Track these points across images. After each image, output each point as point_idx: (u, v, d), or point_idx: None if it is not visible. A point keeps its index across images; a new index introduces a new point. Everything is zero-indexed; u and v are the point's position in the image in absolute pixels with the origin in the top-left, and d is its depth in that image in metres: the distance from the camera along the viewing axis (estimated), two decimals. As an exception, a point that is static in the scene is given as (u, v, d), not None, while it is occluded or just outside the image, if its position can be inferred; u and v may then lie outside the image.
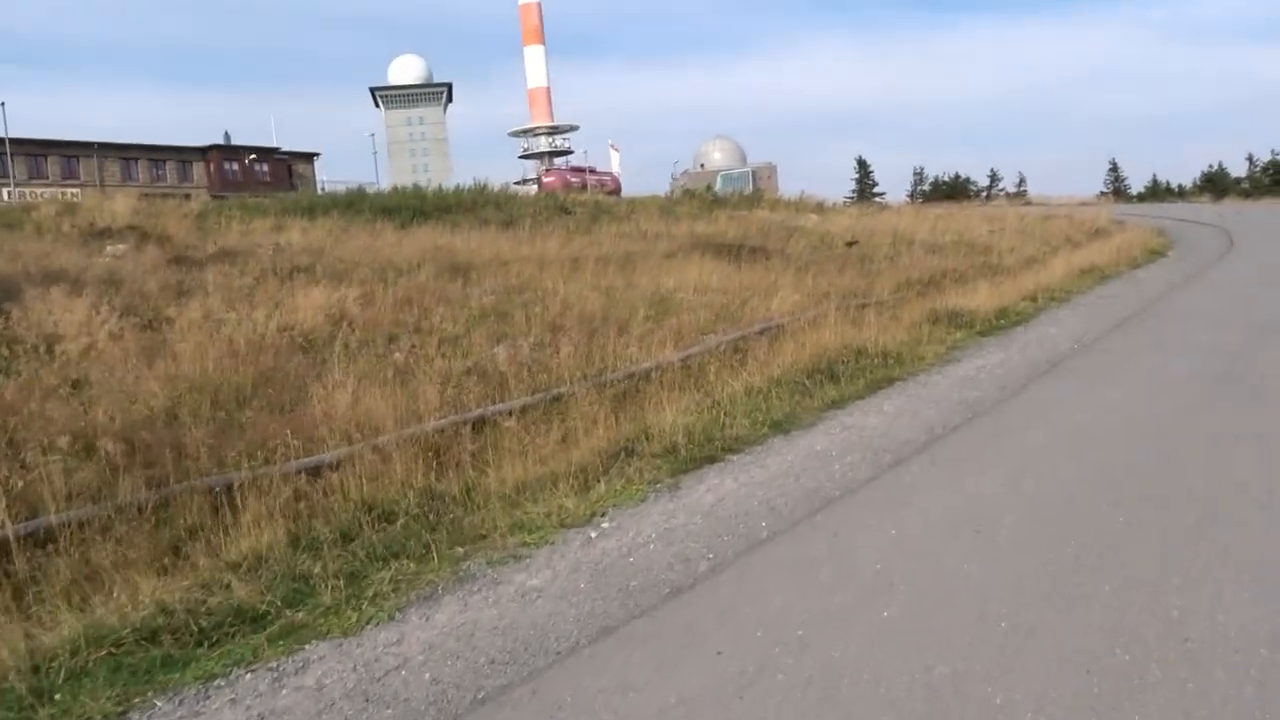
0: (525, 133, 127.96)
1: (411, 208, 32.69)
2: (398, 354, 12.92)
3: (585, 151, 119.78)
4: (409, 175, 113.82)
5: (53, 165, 51.62)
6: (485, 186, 36.89)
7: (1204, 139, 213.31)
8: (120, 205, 29.33)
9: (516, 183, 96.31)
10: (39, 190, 47.11)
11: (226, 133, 59.71)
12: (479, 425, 9.15)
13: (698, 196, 44.61)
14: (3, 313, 12.94)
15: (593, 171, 64.41)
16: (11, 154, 50.16)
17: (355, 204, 32.94)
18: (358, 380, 10.34)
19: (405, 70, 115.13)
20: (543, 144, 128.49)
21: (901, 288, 19.68)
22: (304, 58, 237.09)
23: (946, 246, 29.56)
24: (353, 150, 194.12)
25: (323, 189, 64.23)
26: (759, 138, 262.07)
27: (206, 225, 29.90)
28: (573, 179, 60.54)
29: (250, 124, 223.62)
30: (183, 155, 56.80)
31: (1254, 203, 54.20)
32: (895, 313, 16.07)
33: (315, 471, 7.58)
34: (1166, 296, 16.67)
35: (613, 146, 77.40)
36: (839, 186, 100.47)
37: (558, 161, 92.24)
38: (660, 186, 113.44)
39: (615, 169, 74.28)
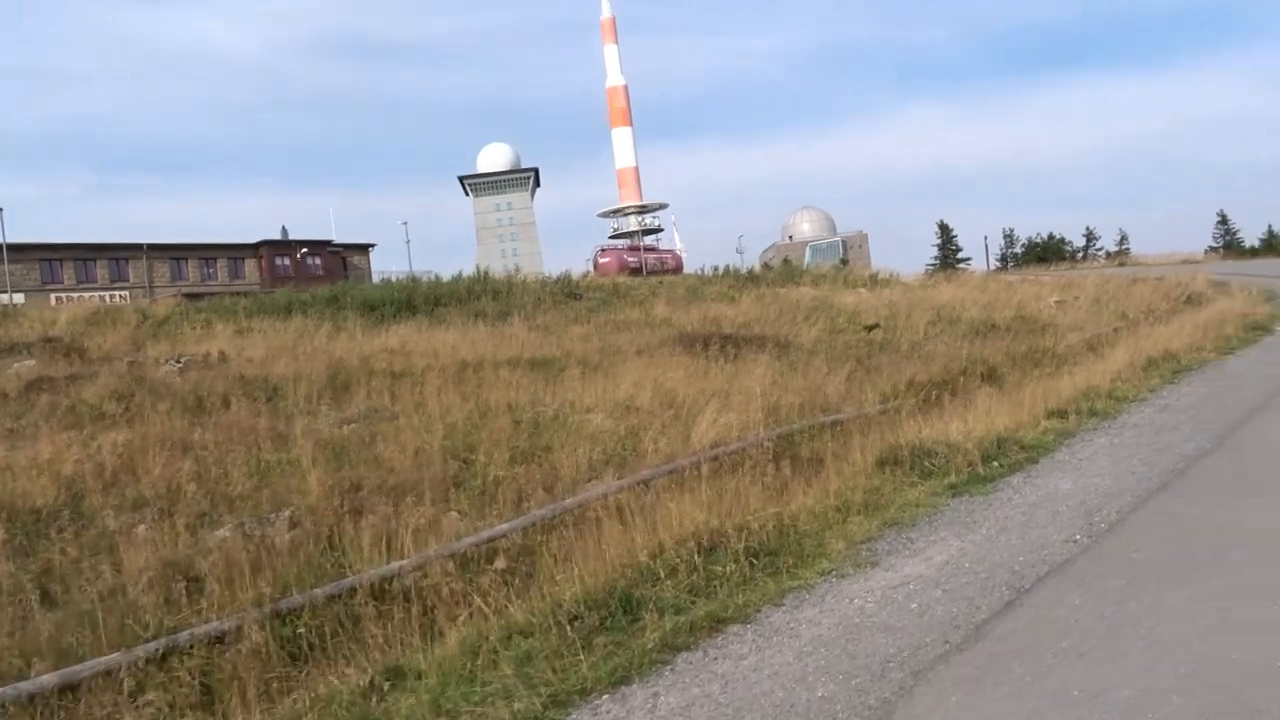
0: (614, 213, 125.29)
1: (397, 301, 28.64)
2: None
3: (673, 222, 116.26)
4: (498, 260, 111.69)
5: (101, 269, 49.72)
6: (486, 275, 32.60)
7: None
8: (64, 314, 26.09)
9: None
10: (85, 294, 45.06)
11: (284, 227, 57.62)
12: None
13: (731, 275, 39.60)
14: None
15: (652, 250, 60.07)
16: (61, 259, 48.58)
17: (339, 299, 29.03)
18: None
19: (493, 158, 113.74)
20: (632, 223, 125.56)
21: (897, 394, 14.33)
22: (395, 150, 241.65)
23: (999, 325, 23.89)
24: (447, 239, 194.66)
25: (382, 279, 61.68)
26: (850, 206, 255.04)
27: (165, 331, 26.45)
28: (630, 259, 56.30)
29: (343, 219, 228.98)
30: (234, 252, 54.48)
31: None
32: (852, 444, 10.82)
33: None
34: (1261, 413, 10.90)
35: (674, 223, 72.82)
36: (928, 253, 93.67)
37: (618, 241, 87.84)
38: (750, 259, 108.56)
39: (679, 245, 69.91)
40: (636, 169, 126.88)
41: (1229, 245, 67.87)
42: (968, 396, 14.63)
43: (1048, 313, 26.51)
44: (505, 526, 8.53)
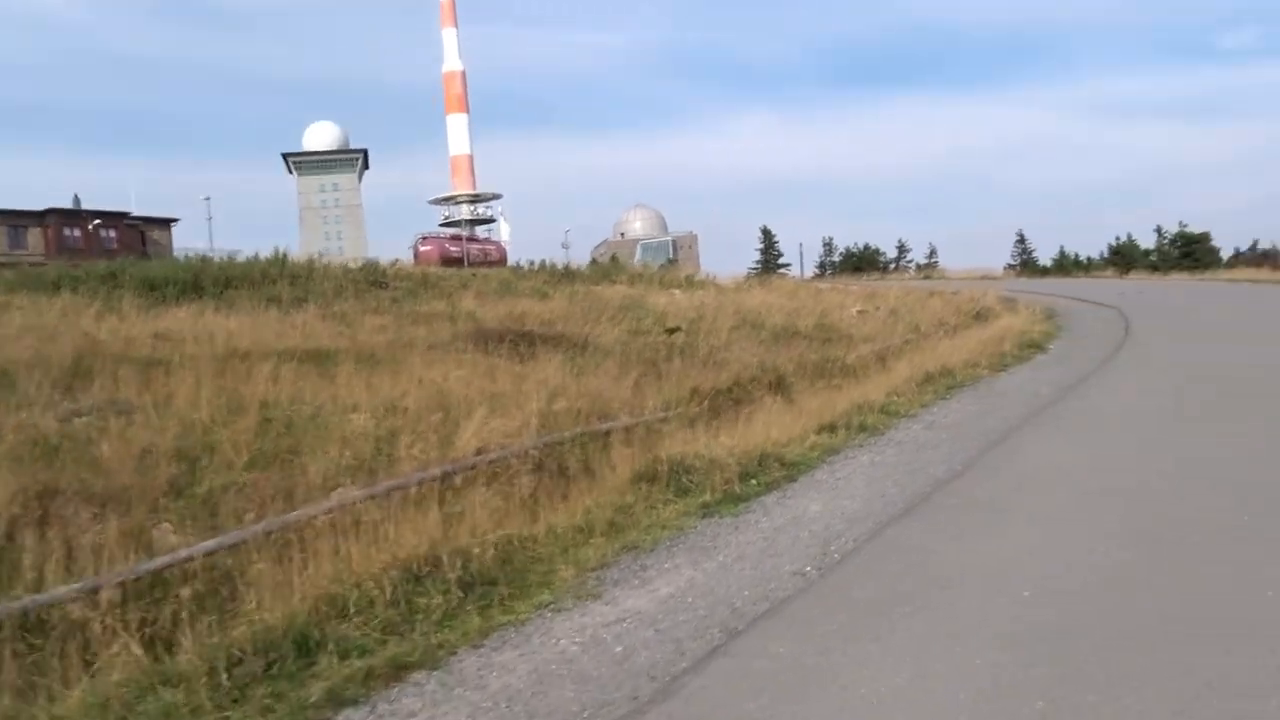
0: (446, 200, 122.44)
1: (182, 282, 26.54)
2: None
3: (500, 213, 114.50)
4: (321, 243, 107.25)
5: None
6: (285, 258, 30.77)
7: (1114, 211, 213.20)
8: None
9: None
10: None
11: (76, 196, 53.19)
12: None
13: (547, 270, 38.97)
14: None
15: (475, 240, 58.72)
16: None
17: (116, 277, 26.69)
18: None
19: (319, 136, 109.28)
20: (464, 212, 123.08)
21: (680, 402, 13.93)
22: (215, 122, 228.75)
23: (800, 332, 24.04)
24: (268, 219, 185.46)
25: (185, 257, 58.11)
26: (683, 207, 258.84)
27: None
28: (452, 249, 54.77)
29: (154, 192, 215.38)
30: (15, 220, 49.91)
31: (1160, 278, 49.63)
32: (621, 456, 10.28)
33: None
34: (1019, 432, 10.98)
35: (501, 215, 71.66)
36: (754, 257, 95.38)
37: (441, 230, 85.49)
38: (581, 254, 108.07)
39: (505, 238, 68.77)
40: (471, 157, 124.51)
41: (1025, 263, 71.90)
42: (751, 406, 14.39)
43: (848, 322, 26.93)
44: (209, 544, 7.53)
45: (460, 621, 5.99)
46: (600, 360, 18.49)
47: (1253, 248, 76.05)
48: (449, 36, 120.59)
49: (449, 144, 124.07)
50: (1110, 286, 40.69)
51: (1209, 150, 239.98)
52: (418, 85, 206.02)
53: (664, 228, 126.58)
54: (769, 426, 12.17)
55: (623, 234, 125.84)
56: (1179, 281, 43.88)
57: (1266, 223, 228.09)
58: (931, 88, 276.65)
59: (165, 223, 55.81)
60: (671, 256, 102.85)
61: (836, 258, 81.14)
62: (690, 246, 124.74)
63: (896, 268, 76.27)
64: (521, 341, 19.46)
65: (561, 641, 5.60)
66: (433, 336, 20.77)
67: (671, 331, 20.83)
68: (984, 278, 55.57)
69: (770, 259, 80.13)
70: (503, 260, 58.29)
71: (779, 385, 16.30)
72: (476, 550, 6.94)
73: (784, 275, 73.12)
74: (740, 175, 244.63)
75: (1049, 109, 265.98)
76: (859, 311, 28.63)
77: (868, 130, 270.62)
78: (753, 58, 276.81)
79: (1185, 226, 68.92)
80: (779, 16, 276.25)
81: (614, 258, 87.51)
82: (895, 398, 13.80)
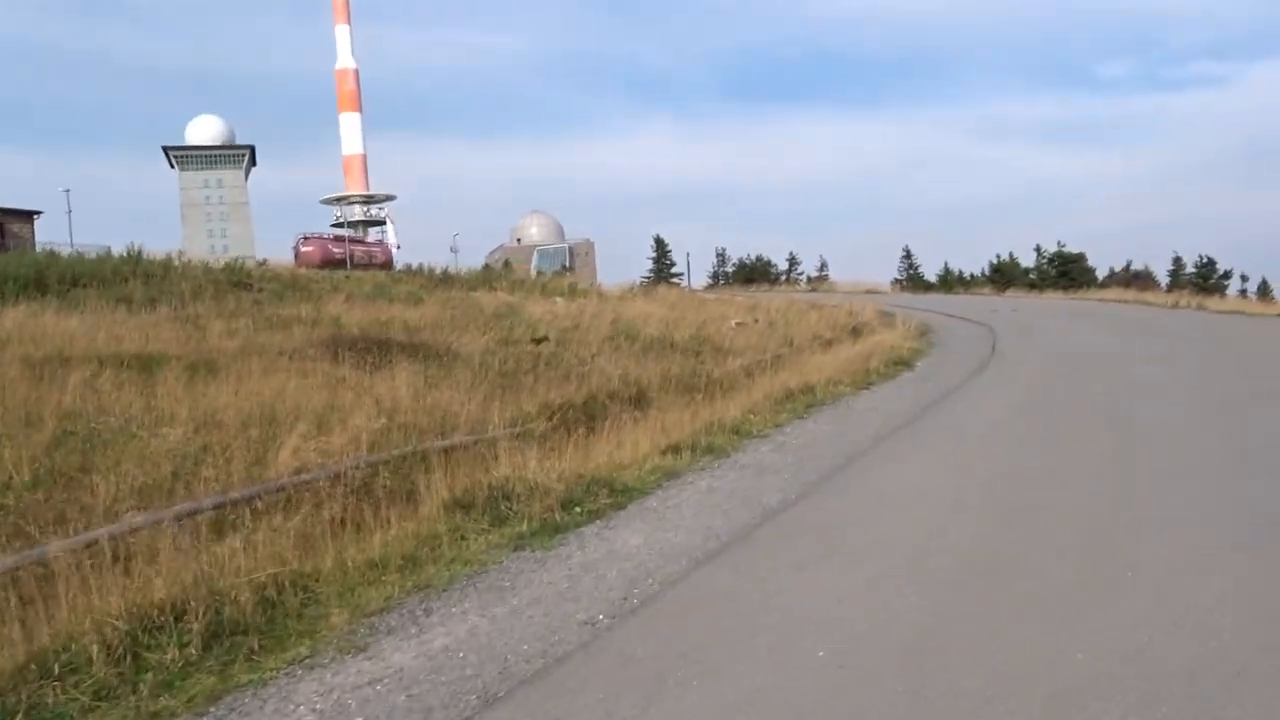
0: (338, 200, 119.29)
1: (24, 279, 24.71)
2: None
3: (387, 215, 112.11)
4: (205, 241, 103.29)
5: None
6: (139, 256, 29.01)
7: (998, 229, 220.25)
8: None
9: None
10: None
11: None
12: None
13: (425, 274, 37.84)
14: None
15: (360, 242, 56.94)
16: None
17: (-53, 271, 24.69)
18: None
19: (203, 130, 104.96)
20: (357, 212, 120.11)
21: (529, 418, 13.22)
22: (98, 113, 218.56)
23: (675, 344, 23.56)
24: (149, 216, 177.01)
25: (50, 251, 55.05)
26: (583, 214, 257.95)
27: None
28: (335, 250, 52.91)
29: (19, 183, 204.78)
30: None
31: (1036, 296, 50.82)
32: (453, 476, 9.50)
33: None
34: (864, 456, 10.58)
35: (388, 217, 69.96)
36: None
37: (324, 230, 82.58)
38: (475, 260, 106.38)
39: (392, 240, 67.03)
40: (364, 157, 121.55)
41: (911, 278, 73.21)
42: (605, 423, 13.79)
43: (725, 334, 26.59)
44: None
45: (191, 683, 5.17)
46: (459, 371, 17.67)
47: (1126, 268, 79.02)
48: (341, 34, 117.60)
49: (342, 143, 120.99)
50: (987, 304, 41.39)
51: (1089, 173, 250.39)
52: (313, 82, 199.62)
53: (561, 234, 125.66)
54: (617, 446, 11.57)
55: (519, 240, 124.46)
56: (1052, 300, 44.92)
57: (1141, 244, 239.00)
58: (827, 104, 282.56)
59: (27, 215, 52.56)
60: (567, 264, 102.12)
61: (729, 268, 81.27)
62: (587, 254, 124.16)
63: (787, 279, 76.78)
64: (377, 350, 18.51)
65: (301, 708, 4.83)
66: (285, 343, 19.64)
67: (539, 341, 20.11)
68: (869, 291, 56.18)
69: (663, 268, 79.80)
70: (388, 263, 56.69)
71: (639, 400, 15.74)
72: (234, 593, 6.11)
73: (675, 284, 72.91)
74: (639, 184, 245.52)
75: (936, 128, 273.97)
76: (738, 324, 28.35)
77: (764, 143, 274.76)
78: (654, 67, 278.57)
79: (1063, 246, 71.01)
80: (680, 28, 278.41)
81: (506, 263, 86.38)
82: (752, 416, 13.34)
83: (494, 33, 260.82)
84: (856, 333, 25.82)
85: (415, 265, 46.98)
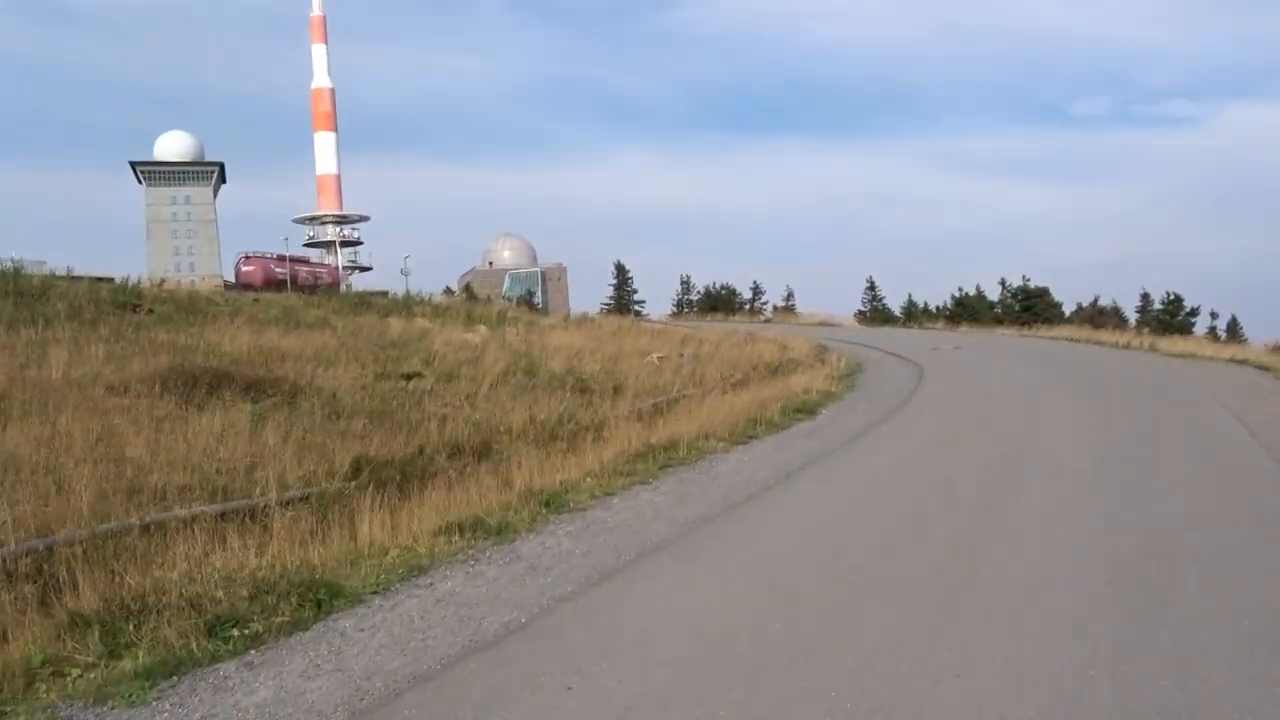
0: (311, 220, 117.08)
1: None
2: None
3: (339, 235, 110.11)
4: (170, 259, 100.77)
5: None
6: (16, 273, 26.76)
7: (970, 262, 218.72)
8: None
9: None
10: None
11: None
12: None
13: (339, 298, 35.70)
14: None
15: (306, 263, 54.80)
16: None
17: None
18: None
19: (171, 146, 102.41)
20: (330, 233, 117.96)
21: (334, 476, 11.11)
22: (65, 127, 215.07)
23: (580, 381, 21.47)
24: (113, 233, 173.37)
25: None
26: (556, 239, 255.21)
27: None
28: (278, 269, 50.74)
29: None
30: None
31: (989, 332, 48.56)
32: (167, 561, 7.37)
33: None
34: (677, 543, 8.47)
35: (339, 237, 67.86)
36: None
37: (269, 250, 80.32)
38: (448, 282, 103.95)
39: (341, 260, 64.82)
40: (338, 177, 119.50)
41: (875, 310, 71.29)
42: (430, 481, 11.70)
43: (637, 370, 24.53)
44: None
45: None
46: (300, 411, 15.52)
47: (1093, 303, 77.28)
48: (318, 53, 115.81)
49: (316, 162, 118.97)
50: (936, 339, 39.44)
51: (1061, 208, 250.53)
52: (288, 101, 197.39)
53: (533, 258, 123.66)
54: (412, 516, 9.49)
55: (491, 263, 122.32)
56: (1002, 337, 42.72)
57: (1113, 279, 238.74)
58: (800, 134, 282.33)
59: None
60: (538, 288, 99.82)
61: (694, 296, 79.19)
62: (559, 278, 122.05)
63: (751, 309, 74.75)
64: (218, 385, 16.34)
65: None
66: (134, 373, 17.45)
67: (409, 378, 17.96)
68: (823, 324, 54.25)
69: (624, 295, 77.63)
70: (335, 284, 54.61)
71: (483, 452, 13.65)
72: None
73: (637, 312, 70.96)
74: (612, 209, 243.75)
75: (908, 161, 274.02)
76: (660, 358, 26.29)
77: (738, 172, 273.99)
78: (629, 95, 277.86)
79: (1027, 281, 69.17)
80: (656, 57, 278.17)
81: (468, 288, 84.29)
82: (589, 479, 11.26)
83: (469, 56, 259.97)
84: (778, 371, 23.78)
85: (375, 288, 44.86)
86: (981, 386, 21.80)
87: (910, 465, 12.38)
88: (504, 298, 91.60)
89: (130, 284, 29.73)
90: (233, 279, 50.16)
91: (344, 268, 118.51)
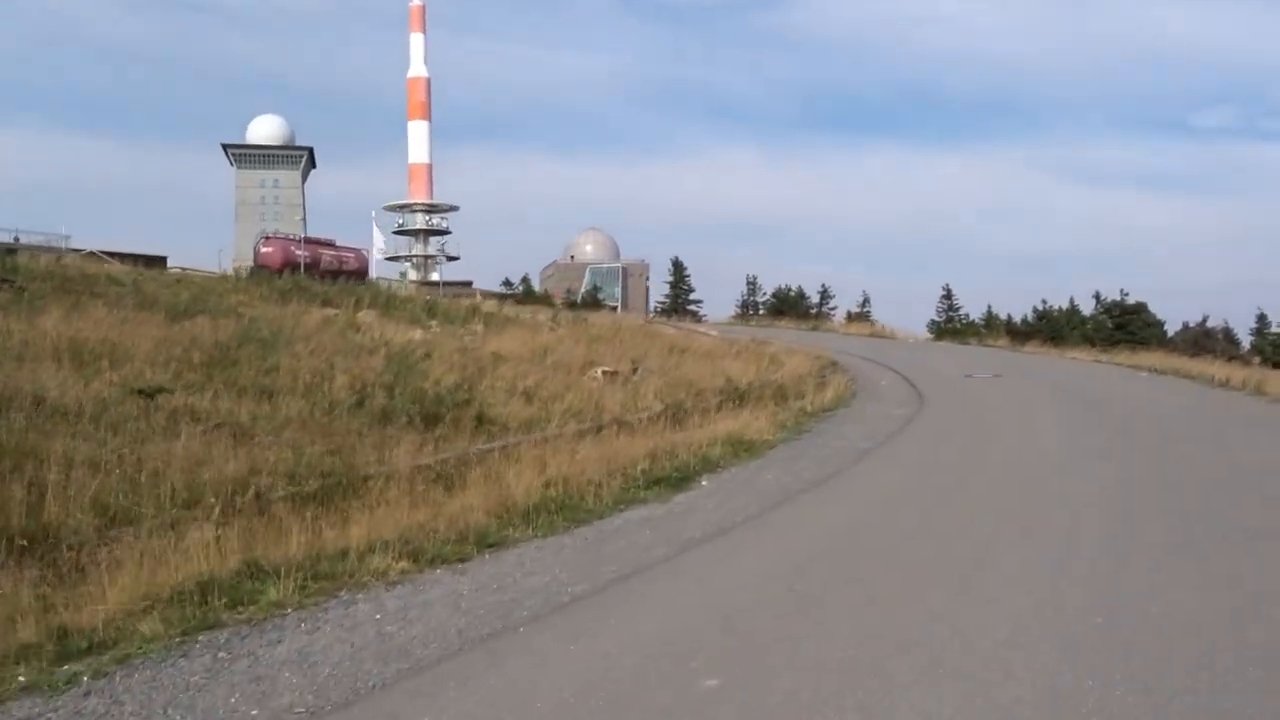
0: (401, 208, 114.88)
1: None
2: None
3: (372, 217, 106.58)
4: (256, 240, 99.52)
5: None
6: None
7: (1076, 276, 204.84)
8: None
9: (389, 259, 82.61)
10: None
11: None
12: None
13: (309, 289, 30.98)
14: None
15: (331, 246, 50.68)
16: None
17: None
18: None
19: (263, 129, 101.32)
20: (419, 221, 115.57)
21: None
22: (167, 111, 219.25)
23: (474, 401, 15.96)
24: (203, 213, 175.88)
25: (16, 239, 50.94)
26: (643, 236, 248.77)
27: None
28: (300, 252, 46.73)
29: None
30: None
31: (1056, 353, 39.71)
32: None
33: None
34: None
35: (373, 219, 63.75)
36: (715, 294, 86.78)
37: (290, 231, 76.56)
38: (534, 275, 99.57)
39: (379, 245, 60.71)
40: (430, 166, 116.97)
41: (948, 321, 63.63)
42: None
43: (586, 387, 18.96)
44: None
45: None
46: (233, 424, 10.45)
47: (1202, 323, 67.81)
48: (416, 41, 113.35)
49: (409, 150, 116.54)
50: (982, 361, 32.35)
51: (1177, 223, 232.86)
52: (384, 91, 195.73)
53: (616, 254, 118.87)
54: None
55: (573, 257, 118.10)
56: (1065, 361, 34.77)
57: (1229, 299, 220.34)
58: (910, 140, 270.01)
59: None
60: (599, 285, 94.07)
61: (760, 298, 72.67)
62: (641, 275, 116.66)
63: (818, 314, 67.99)
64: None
65: None
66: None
67: (148, 394, 12.58)
68: (874, 335, 47.29)
69: (679, 294, 71.67)
70: (362, 271, 50.43)
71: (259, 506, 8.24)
72: None
73: (695, 314, 65.14)
74: (707, 209, 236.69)
75: (1018, 171, 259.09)
76: (606, 373, 20.58)
77: (840, 175, 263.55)
78: (732, 94, 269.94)
79: (1125, 295, 60.71)
80: (765, 59, 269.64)
81: (525, 280, 79.45)
82: (427, 539, 5.77)
83: (568, 50, 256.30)
84: (729, 400, 17.73)
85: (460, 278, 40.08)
86: (989, 438, 15.38)
87: (864, 534, 6.46)
88: (583, 291, 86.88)
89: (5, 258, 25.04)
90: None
91: (430, 256, 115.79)
